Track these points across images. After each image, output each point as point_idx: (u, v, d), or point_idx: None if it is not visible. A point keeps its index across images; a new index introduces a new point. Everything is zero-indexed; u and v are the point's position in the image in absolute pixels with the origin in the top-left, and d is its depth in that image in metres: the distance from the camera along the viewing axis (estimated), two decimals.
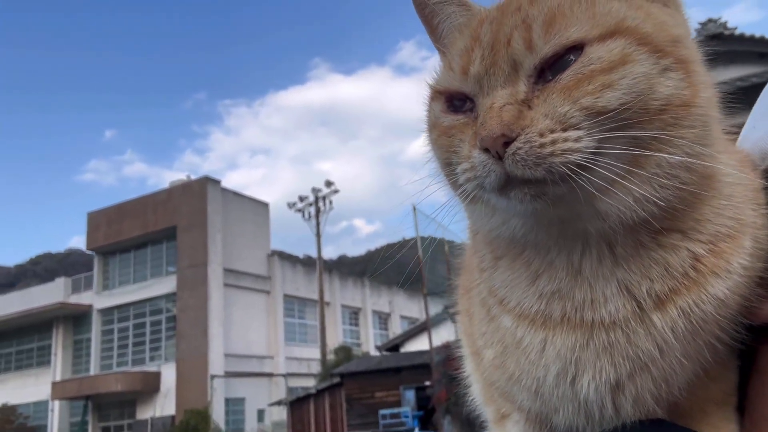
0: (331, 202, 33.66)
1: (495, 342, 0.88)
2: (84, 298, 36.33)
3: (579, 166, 0.68)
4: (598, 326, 0.76)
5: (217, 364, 30.72)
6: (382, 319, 44.69)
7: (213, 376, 28.96)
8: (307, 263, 40.95)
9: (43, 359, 37.34)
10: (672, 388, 0.78)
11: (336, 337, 37.64)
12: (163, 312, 33.98)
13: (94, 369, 34.97)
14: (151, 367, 33.04)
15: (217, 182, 34.15)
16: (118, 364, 34.57)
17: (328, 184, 33.47)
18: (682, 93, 0.70)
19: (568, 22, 0.72)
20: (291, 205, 34.16)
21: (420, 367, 19.37)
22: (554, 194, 0.70)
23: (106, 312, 35.70)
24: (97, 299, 35.75)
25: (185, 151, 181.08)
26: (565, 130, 0.69)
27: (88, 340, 36.00)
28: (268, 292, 35.55)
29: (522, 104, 0.71)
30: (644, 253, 0.75)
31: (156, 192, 35.97)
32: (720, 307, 0.75)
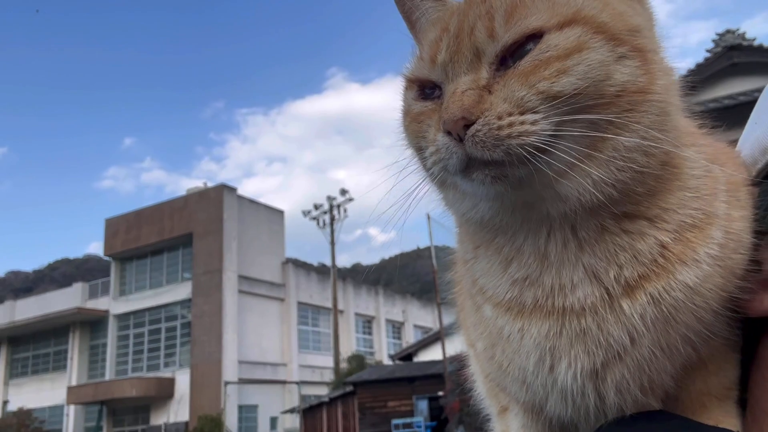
0: (345, 210, 33.78)
1: (483, 333, 0.90)
2: (101, 304, 36.68)
3: (536, 148, 0.70)
4: (569, 313, 0.77)
5: (230, 370, 30.82)
6: (396, 327, 44.59)
7: (227, 383, 29.07)
8: (321, 271, 41.01)
9: (59, 364, 37.70)
10: (654, 378, 0.78)
11: (349, 345, 37.62)
12: (178, 318, 34.20)
13: (109, 374, 35.25)
14: (165, 373, 33.23)
15: (233, 190, 34.39)
16: (133, 370, 34.81)
17: (343, 192, 33.60)
18: (638, 80, 0.73)
19: (528, 12, 0.75)
20: (306, 213, 34.32)
21: (433, 376, 19.29)
22: (515, 176, 0.72)
23: (122, 317, 36.00)
24: (113, 305, 36.07)
25: (203, 158, 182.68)
26: (522, 113, 0.71)
27: (104, 345, 36.31)
28: (282, 300, 35.65)
29: (483, 89, 0.74)
30: (609, 239, 0.76)
31: (173, 199, 36.32)
32: (691, 294, 0.75)
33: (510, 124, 0.70)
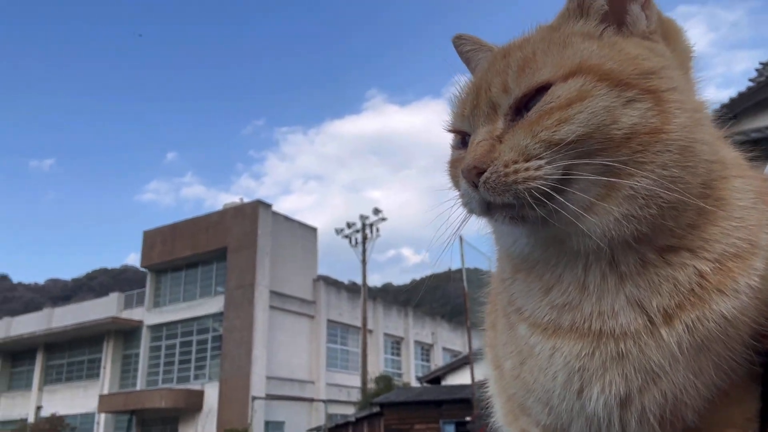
0: (378, 230, 33.81)
1: (513, 352, 0.92)
2: (135, 314, 37.27)
3: (544, 192, 0.74)
4: (606, 336, 0.79)
5: (258, 386, 30.92)
6: (425, 350, 44.21)
7: (254, 398, 29.13)
8: (352, 289, 41.03)
9: (92, 372, 38.32)
10: (685, 403, 0.79)
11: (377, 365, 37.40)
12: (209, 331, 34.52)
13: (140, 384, 35.68)
14: (195, 386, 33.50)
15: (268, 206, 34.79)
16: (164, 381, 35.18)
17: (376, 211, 33.66)
18: (650, 121, 0.75)
19: (537, 66, 0.81)
20: (339, 231, 34.44)
21: (461, 401, 19.03)
22: (533, 217, 0.77)
23: (155, 328, 36.52)
24: (147, 315, 36.62)
25: (242, 175, 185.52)
26: (527, 160, 0.76)
27: (137, 355, 36.82)
28: (312, 317, 35.74)
29: (496, 140, 0.81)
30: (653, 270, 0.79)
31: (209, 213, 36.88)
32: (726, 326, 0.77)
33: (515, 171, 0.76)
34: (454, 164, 0.92)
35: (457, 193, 0.91)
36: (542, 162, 0.76)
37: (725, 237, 0.79)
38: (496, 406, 1.12)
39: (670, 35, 0.87)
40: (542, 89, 0.79)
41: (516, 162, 0.77)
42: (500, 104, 0.83)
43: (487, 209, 0.81)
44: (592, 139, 0.74)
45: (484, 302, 1.12)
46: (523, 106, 0.81)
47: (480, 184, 0.78)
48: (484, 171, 0.78)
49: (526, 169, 0.76)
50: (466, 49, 1.01)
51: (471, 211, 0.85)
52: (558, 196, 0.75)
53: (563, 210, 0.76)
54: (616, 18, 0.85)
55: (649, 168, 0.74)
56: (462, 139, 0.92)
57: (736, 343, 0.79)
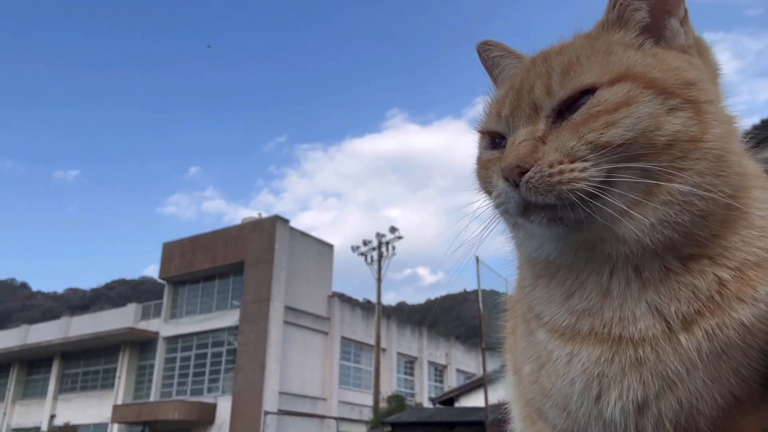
0: (394, 248, 33.80)
1: (532, 357, 0.92)
2: (152, 325, 37.39)
3: (587, 193, 0.75)
4: (626, 342, 0.80)
5: (271, 400, 30.84)
6: (438, 370, 43.82)
7: (266, 413, 29.07)
8: (367, 307, 40.91)
9: (107, 382, 38.40)
10: (701, 410, 0.80)
11: (390, 384, 37.13)
12: (224, 344, 34.54)
13: (154, 395, 35.71)
14: (208, 398, 33.47)
15: (285, 221, 34.94)
16: (178, 393, 35.18)
17: (393, 230, 33.70)
18: (690, 129, 0.78)
19: (582, 70, 0.83)
20: (355, 249, 34.50)
21: (474, 424, 18.83)
22: (570, 219, 0.78)
23: (171, 340, 36.61)
24: (164, 327, 36.73)
25: (262, 190, 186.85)
26: (572, 161, 0.77)
27: (152, 366, 36.89)
28: (326, 333, 35.64)
29: (538, 140, 0.81)
30: (673, 277, 0.80)
31: (228, 227, 37.10)
32: (744, 333, 0.78)
33: (560, 172, 0.77)
34: (485, 165, 0.91)
35: (482, 195, 0.93)
36: (587, 164, 0.77)
37: (746, 246, 0.81)
38: (514, 411, 1.12)
39: (702, 52, 0.90)
40: (587, 93, 0.81)
41: (561, 163, 0.77)
42: (543, 106, 0.84)
43: (524, 210, 0.81)
44: (636, 144, 0.76)
45: (503, 323, 1.13)
46: (566, 108, 0.82)
47: (522, 183, 0.79)
48: (527, 171, 0.78)
49: (572, 170, 0.77)
50: (493, 54, 1.02)
51: (505, 212, 0.85)
52: (599, 198, 0.76)
53: (601, 214, 0.77)
54: (656, 31, 0.88)
55: (688, 174, 0.76)
56: (492, 140, 0.93)
57: (753, 350, 0.79)
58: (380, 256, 33.63)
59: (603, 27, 0.90)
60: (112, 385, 37.78)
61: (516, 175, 0.79)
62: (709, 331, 0.78)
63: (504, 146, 0.88)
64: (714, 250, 0.80)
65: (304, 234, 36.40)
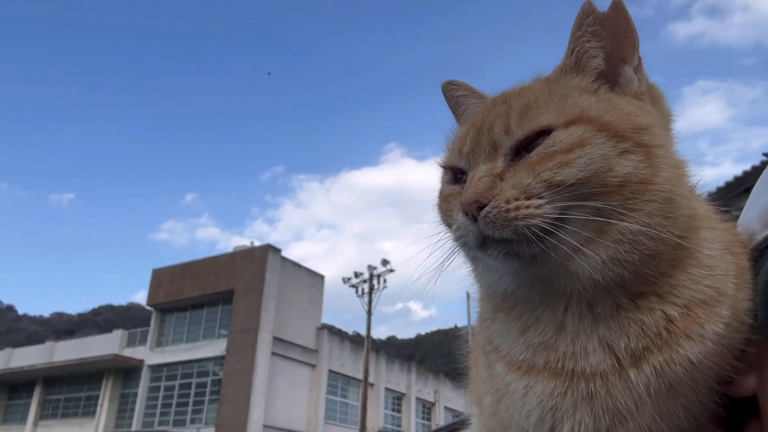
0: (385, 281, 33.66)
1: (491, 389, 0.95)
2: (137, 353, 36.90)
3: (541, 229, 0.79)
4: (578, 376, 0.82)
5: None
6: (426, 408, 43.26)
7: None
8: (356, 340, 40.54)
9: (89, 410, 37.70)
10: None
11: (377, 420, 36.60)
12: (209, 374, 34.08)
13: (136, 425, 35.05)
14: (190, 430, 32.87)
15: (277, 250, 34.85)
16: (160, 423, 34.54)
17: (384, 262, 33.61)
18: (641, 172, 0.81)
19: (540, 112, 0.87)
20: (346, 280, 34.33)
21: None
22: (526, 254, 0.81)
23: (156, 368, 36.11)
24: (149, 355, 36.27)
25: (257, 219, 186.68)
26: (528, 198, 0.81)
27: (135, 394, 36.30)
28: (313, 366, 35.24)
29: (497, 177, 0.85)
30: (623, 314, 0.82)
31: (219, 255, 36.97)
32: (692, 370, 0.80)
33: (516, 208, 0.80)
34: (447, 198, 0.95)
35: (443, 227, 0.96)
36: (542, 201, 0.80)
37: (694, 284, 0.83)
38: None
39: (654, 99, 0.94)
40: (543, 133, 0.84)
41: (518, 199, 0.81)
42: (501, 144, 0.87)
43: (482, 244, 0.83)
44: (589, 184, 0.79)
45: (467, 354, 1.15)
46: (523, 147, 0.85)
47: (480, 217, 0.82)
48: (485, 205, 0.82)
49: (527, 207, 0.80)
50: (458, 94, 1.06)
51: (464, 245, 0.88)
52: (554, 235, 0.79)
53: (555, 250, 0.79)
54: (611, 77, 0.92)
55: (638, 214, 0.79)
56: (454, 175, 0.96)
57: (701, 387, 0.81)
58: (371, 288, 33.46)
59: (561, 71, 0.94)
60: (94, 413, 37.06)
61: (474, 210, 0.82)
62: (657, 367, 0.79)
63: (465, 181, 0.91)
64: (662, 288, 0.83)
65: (295, 264, 36.27)
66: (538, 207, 0.80)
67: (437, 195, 1.00)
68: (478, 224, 0.82)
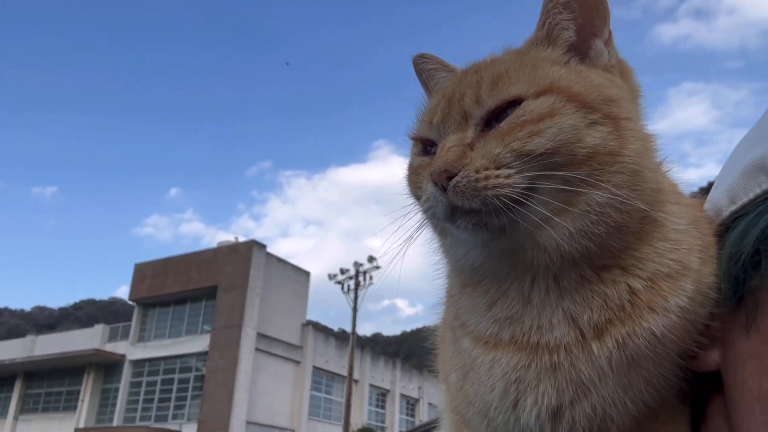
0: (371, 278, 33.64)
1: (458, 365, 0.95)
2: (119, 348, 36.72)
3: (511, 199, 0.78)
4: (543, 348, 0.82)
5: (238, 430, 30.18)
6: (410, 404, 43.42)
7: None
8: (341, 337, 40.54)
9: (69, 404, 37.51)
10: (614, 419, 0.81)
11: (361, 417, 36.67)
12: (192, 370, 33.93)
13: (117, 420, 34.84)
14: (172, 425, 32.69)
15: (262, 246, 34.74)
16: (141, 419, 34.35)
17: (371, 259, 33.58)
18: (609, 144, 0.81)
19: (510, 82, 0.86)
20: (331, 277, 34.29)
21: None
22: (494, 225, 0.80)
23: (138, 364, 35.90)
24: (130, 350, 36.06)
25: (243, 215, 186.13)
26: (497, 168, 0.80)
27: (116, 390, 36.10)
28: (297, 362, 35.20)
29: (467, 147, 0.84)
30: (587, 286, 0.83)
31: (203, 250, 36.81)
32: (655, 343, 0.80)
33: (486, 177, 0.79)
34: (416, 170, 0.94)
35: (412, 200, 0.95)
36: (512, 171, 0.79)
37: (659, 257, 0.83)
38: (445, 421, 1.14)
39: (624, 73, 0.94)
40: (513, 103, 0.84)
41: (487, 168, 0.80)
42: (472, 114, 0.87)
43: (451, 215, 0.83)
44: (558, 154, 0.79)
45: (434, 332, 1.15)
46: (493, 117, 0.85)
47: (449, 187, 0.81)
48: (455, 175, 0.81)
49: (497, 176, 0.79)
50: (429, 67, 1.05)
51: (433, 216, 0.87)
52: (523, 205, 0.79)
53: (524, 220, 0.79)
54: (581, 50, 0.92)
55: (605, 186, 0.79)
56: (424, 147, 0.96)
57: (665, 361, 0.81)
58: (357, 285, 33.45)
59: (532, 44, 0.95)
60: (75, 408, 36.84)
61: (444, 179, 0.81)
62: (619, 340, 0.79)
63: (433, 153, 0.91)
64: (627, 260, 0.83)
65: (280, 260, 36.17)
66: (507, 177, 0.79)
67: (407, 167, 0.99)
68: (448, 194, 0.82)
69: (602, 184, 0.79)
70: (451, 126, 0.88)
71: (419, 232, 0.93)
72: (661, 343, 0.80)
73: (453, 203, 0.82)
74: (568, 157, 0.79)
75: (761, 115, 0.89)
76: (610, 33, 0.94)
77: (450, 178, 0.81)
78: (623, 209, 0.80)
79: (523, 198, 0.79)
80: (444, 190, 0.82)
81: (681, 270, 0.83)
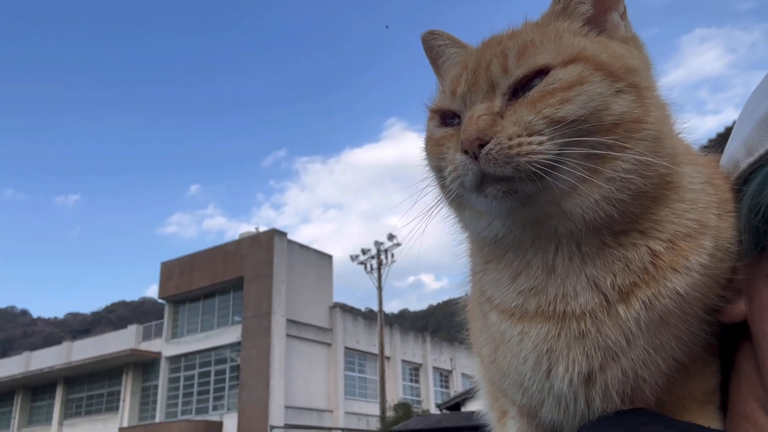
0: (393, 256, 33.74)
1: (488, 338, 0.97)
2: (154, 346, 37.35)
3: (543, 165, 0.79)
4: (569, 317, 0.84)
5: (277, 415, 30.73)
6: (444, 376, 43.75)
7: (273, 427, 28.94)
8: (369, 316, 40.84)
9: (111, 405, 38.33)
10: (646, 378, 0.84)
11: (396, 393, 37.04)
12: (227, 361, 34.48)
13: (159, 416, 35.60)
14: (213, 417, 33.35)
15: (283, 234, 34.95)
16: (183, 413, 35.07)
17: (391, 237, 33.62)
18: (634, 111, 0.82)
19: (537, 51, 0.87)
20: (354, 258, 34.45)
21: (481, 427, 18.75)
22: (524, 192, 0.81)
23: (174, 360, 36.54)
24: (165, 347, 36.67)
25: (263, 205, 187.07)
26: (530, 135, 0.81)
27: (155, 387, 36.82)
28: (329, 345, 35.59)
29: (496, 115, 0.84)
30: (608, 251, 0.84)
31: (225, 243, 37.08)
32: (680, 301, 0.82)
33: (519, 144, 0.80)
34: (438, 141, 0.93)
35: (431, 174, 0.96)
36: (544, 138, 0.80)
37: (677, 218, 0.85)
38: (482, 390, 1.19)
39: (637, 46, 0.96)
40: (541, 73, 0.85)
41: (520, 135, 0.81)
42: (499, 84, 0.87)
43: (480, 183, 0.83)
44: (587, 121, 0.80)
45: (465, 306, 1.16)
46: (520, 87, 0.86)
47: (482, 155, 0.81)
48: (487, 143, 0.81)
49: (530, 143, 0.80)
50: (439, 43, 1.05)
51: (461, 185, 0.86)
52: (553, 173, 0.80)
53: (554, 187, 0.80)
54: (598, 23, 0.93)
55: (630, 153, 0.81)
56: (443, 120, 0.95)
57: (691, 317, 0.83)
58: (379, 264, 33.57)
59: (550, 17, 0.95)
60: (117, 408, 37.65)
61: (476, 147, 0.81)
62: (646, 302, 0.81)
63: (457, 124, 0.91)
64: (645, 224, 0.84)
65: (302, 246, 36.39)
66: (540, 143, 0.80)
67: (425, 140, 0.99)
68: (479, 162, 0.82)
69: (628, 152, 0.80)
70: (478, 96, 0.88)
71: (438, 206, 0.94)
72: (686, 301, 0.82)
73: (485, 171, 0.82)
74: (596, 125, 0.80)
75: None
76: (625, 7, 0.95)
77: (482, 145, 0.81)
78: (645, 174, 0.81)
79: (554, 165, 0.80)
80: (476, 158, 0.82)
81: (699, 228, 0.84)
